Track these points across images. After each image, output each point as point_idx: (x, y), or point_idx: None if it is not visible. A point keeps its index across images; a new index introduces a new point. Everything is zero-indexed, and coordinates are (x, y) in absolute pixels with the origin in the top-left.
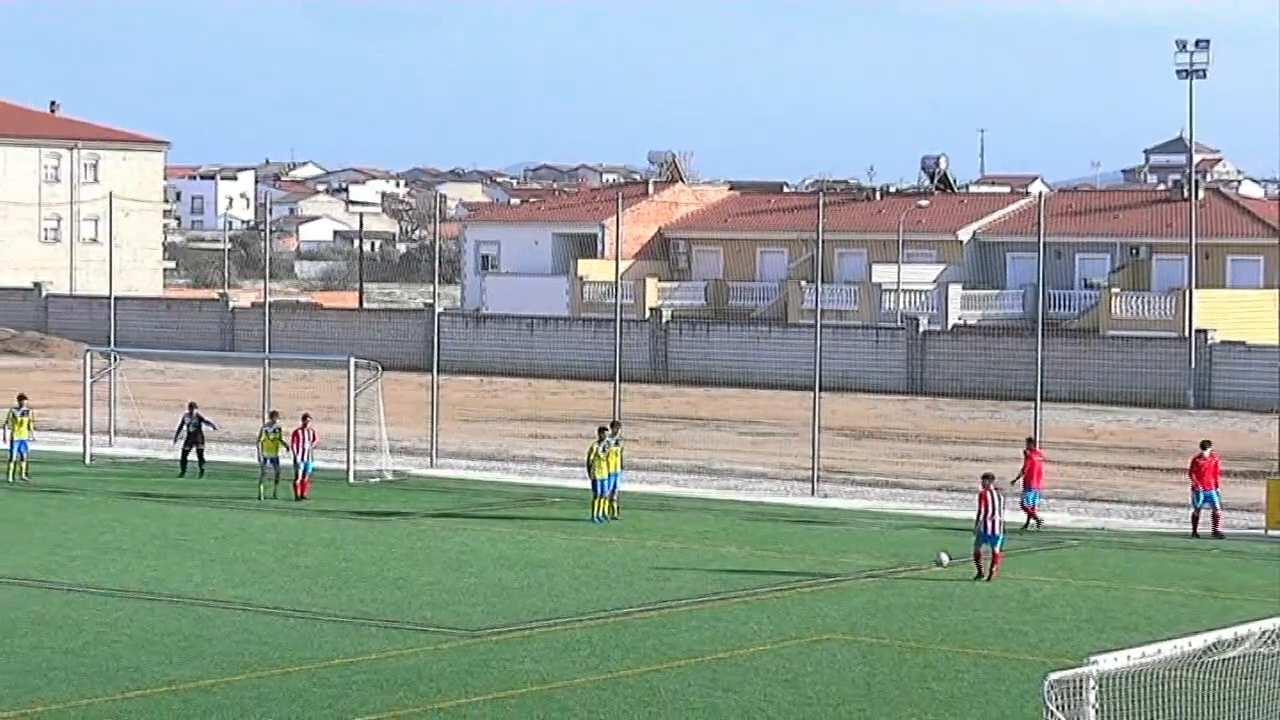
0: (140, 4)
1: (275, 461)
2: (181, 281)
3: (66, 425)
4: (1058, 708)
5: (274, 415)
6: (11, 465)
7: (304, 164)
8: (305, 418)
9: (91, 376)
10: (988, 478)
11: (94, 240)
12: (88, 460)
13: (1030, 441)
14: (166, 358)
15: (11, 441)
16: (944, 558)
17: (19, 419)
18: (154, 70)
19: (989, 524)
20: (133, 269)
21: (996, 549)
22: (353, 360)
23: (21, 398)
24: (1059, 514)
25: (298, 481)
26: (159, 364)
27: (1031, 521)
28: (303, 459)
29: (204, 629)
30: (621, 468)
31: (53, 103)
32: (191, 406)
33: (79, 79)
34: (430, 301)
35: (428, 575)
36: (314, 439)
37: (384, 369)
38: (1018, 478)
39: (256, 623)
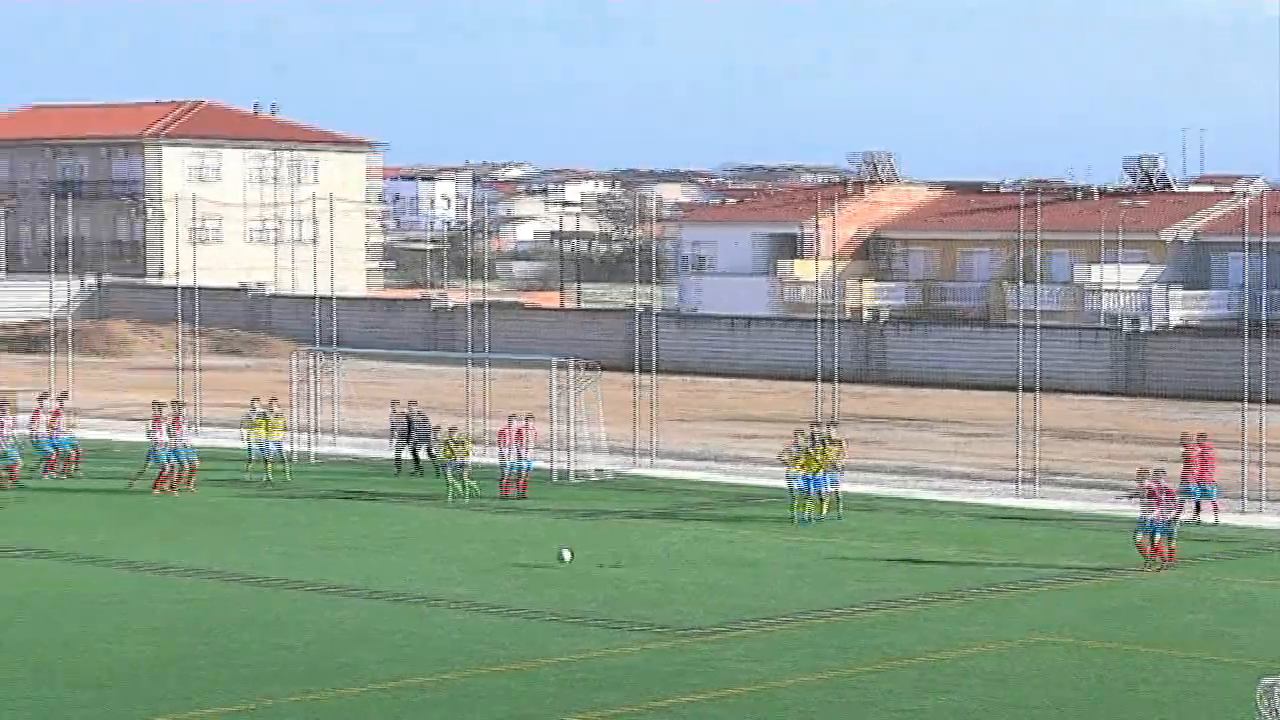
0: (356, 8)
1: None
2: (396, 282)
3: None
4: (1270, 712)
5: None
6: (266, 466)
7: (514, 165)
8: (528, 418)
9: (305, 376)
10: (1143, 472)
11: (299, 240)
12: (312, 459)
13: (1201, 436)
14: (379, 357)
15: (260, 443)
16: (565, 554)
17: (269, 420)
18: (370, 72)
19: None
20: (343, 269)
21: (1165, 541)
22: (572, 360)
23: (264, 399)
24: (1272, 517)
25: (517, 481)
26: (371, 363)
27: (1203, 517)
28: (520, 458)
29: (423, 627)
30: (838, 469)
31: (272, 105)
32: (411, 404)
33: (297, 83)
34: (644, 301)
35: (641, 574)
36: (536, 438)
37: (594, 368)
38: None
39: (475, 621)
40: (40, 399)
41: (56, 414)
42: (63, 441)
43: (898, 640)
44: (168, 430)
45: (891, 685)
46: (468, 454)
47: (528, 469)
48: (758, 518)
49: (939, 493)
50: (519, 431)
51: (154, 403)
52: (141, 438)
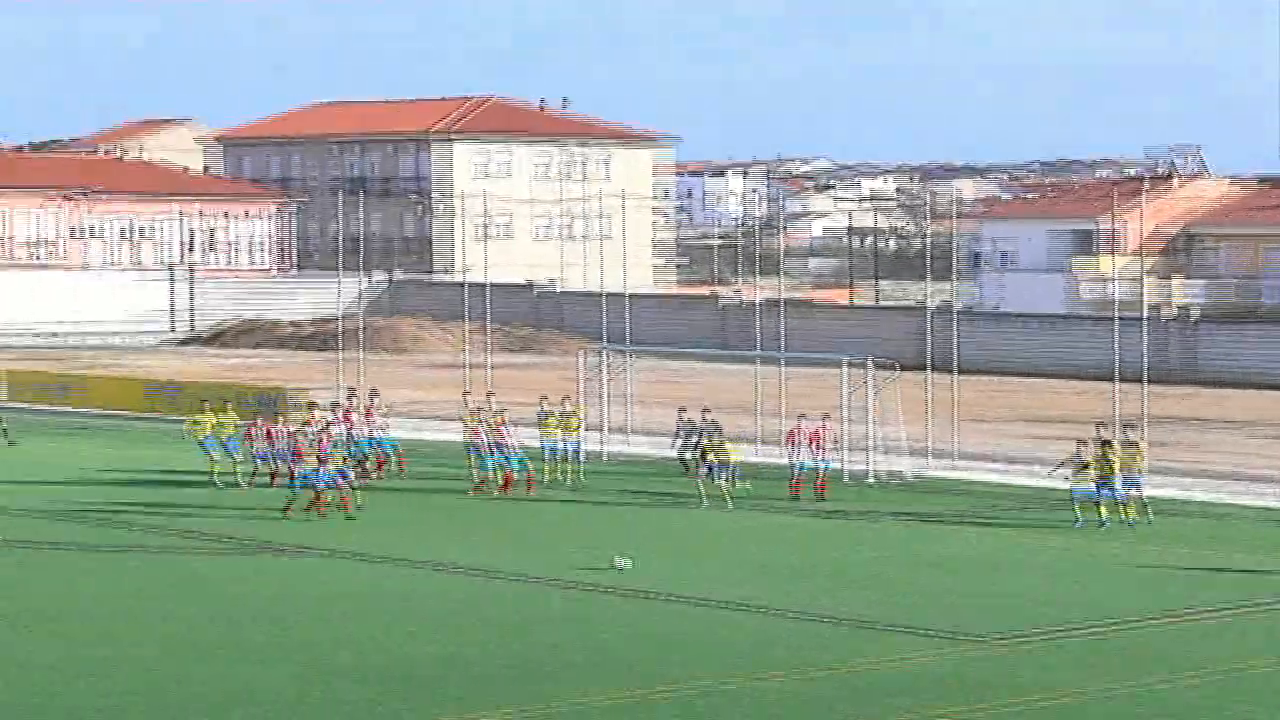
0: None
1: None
2: (686, 279)
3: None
4: None
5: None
6: (559, 466)
7: (807, 159)
8: (825, 418)
9: (593, 374)
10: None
11: (588, 237)
12: (604, 458)
13: None
14: (669, 355)
15: (554, 442)
16: (620, 563)
17: (562, 419)
18: (662, 66)
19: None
20: (636, 266)
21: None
22: (868, 359)
23: (553, 397)
24: None
25: (813, 482)
26: (659, 362)
27: None
28: (814, 458)
29: (720, 631)
30: (1138, 472)
31: (562, 100)
32: (705, 411)
33: (588, 76)
34: (940, 299)
35: (938, 579)
36: (835, 440)
37: (894, 367)
38: None
39: (772, 625)
40: (349, 396)
41: (369, 413)
42: (384, 441)
43: (1202, 649)
44: (486, 432)
45: (1206, 699)
46: (728, 456)
47: (825, 469)
48: (1052, 522)
49: (1249, 497)
50: (816, 432)
51: (467, 398)
52: (446, 437)
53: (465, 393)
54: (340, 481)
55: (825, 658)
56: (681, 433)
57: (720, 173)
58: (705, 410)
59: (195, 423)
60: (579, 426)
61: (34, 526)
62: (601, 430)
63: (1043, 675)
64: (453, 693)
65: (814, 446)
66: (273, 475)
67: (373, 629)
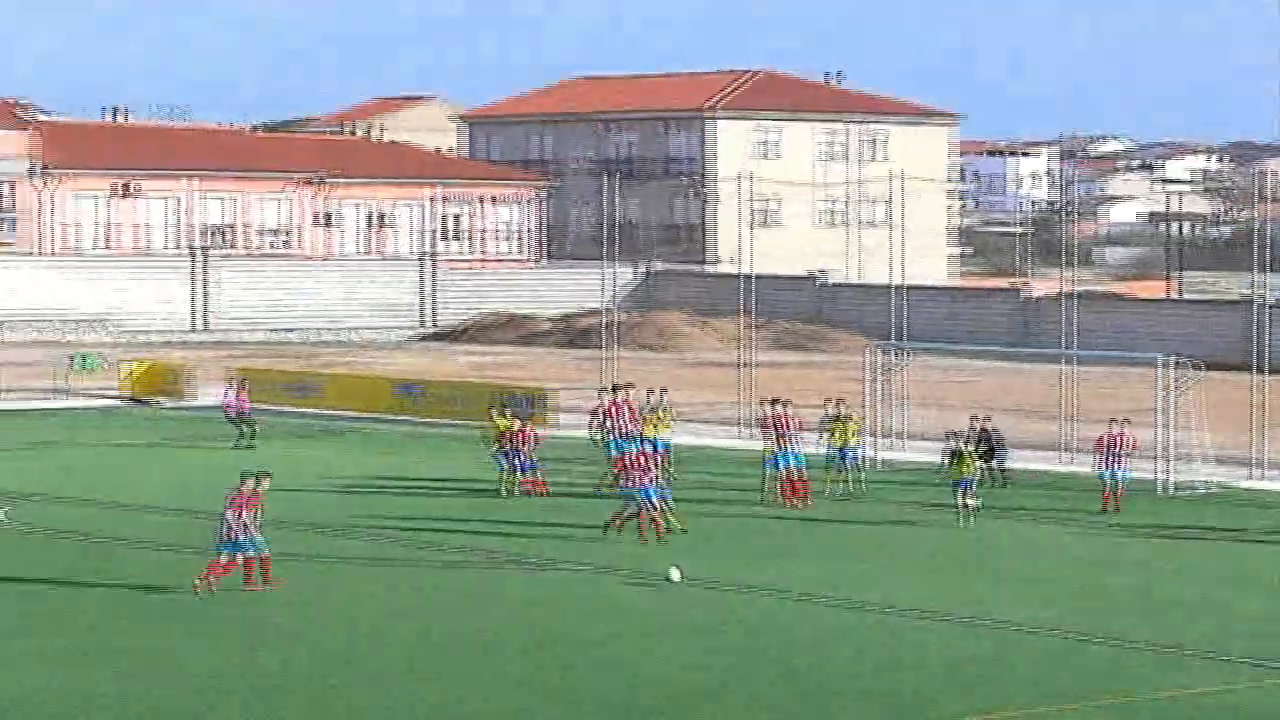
0: None
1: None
2: (974, 269)
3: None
4: None
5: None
6: (842, 474)
7: (1109, 138)
8: (1124, 421)
9: (875, 374)
10: None
11: (872, 223)
12: (878, 466)
13: None
14: (955, 353)
15: (837, 448)
16: (674, 574)
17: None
18: (943, 37)
19: None
20: (921, 255)
21: None
22: (1167, 359)
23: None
24: None
25: (1114, 492)
26: (949, 360)
27: None
28: (1119, 466)
29: (1006, 654)
30: None
31: (838, 73)
32: (985, 419)
33: (862, 48)
34: (1264, 292)
35: (1251, 602)
36: (1133, 445)
37: (1199, 367)
38: None
39: (1062, 648)
40: (613, 389)
41: (632, 412)
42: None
43: None
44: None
45: None
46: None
47: (1123, 479)
48: None
49: None
50: (1117, 438)
51: (771, 401)
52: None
53: (763, 401)
54: (656, 500)
55: (1124, 684)
56: (977, 441)
57: (1012, 152)
58: (986, 418)
59: (496, 429)
60: (856, 431)
61: (297, 538)
62: (876, 436)
63: None
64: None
65: (1112, 454)
66: (533, 484)
67: (659, 650)
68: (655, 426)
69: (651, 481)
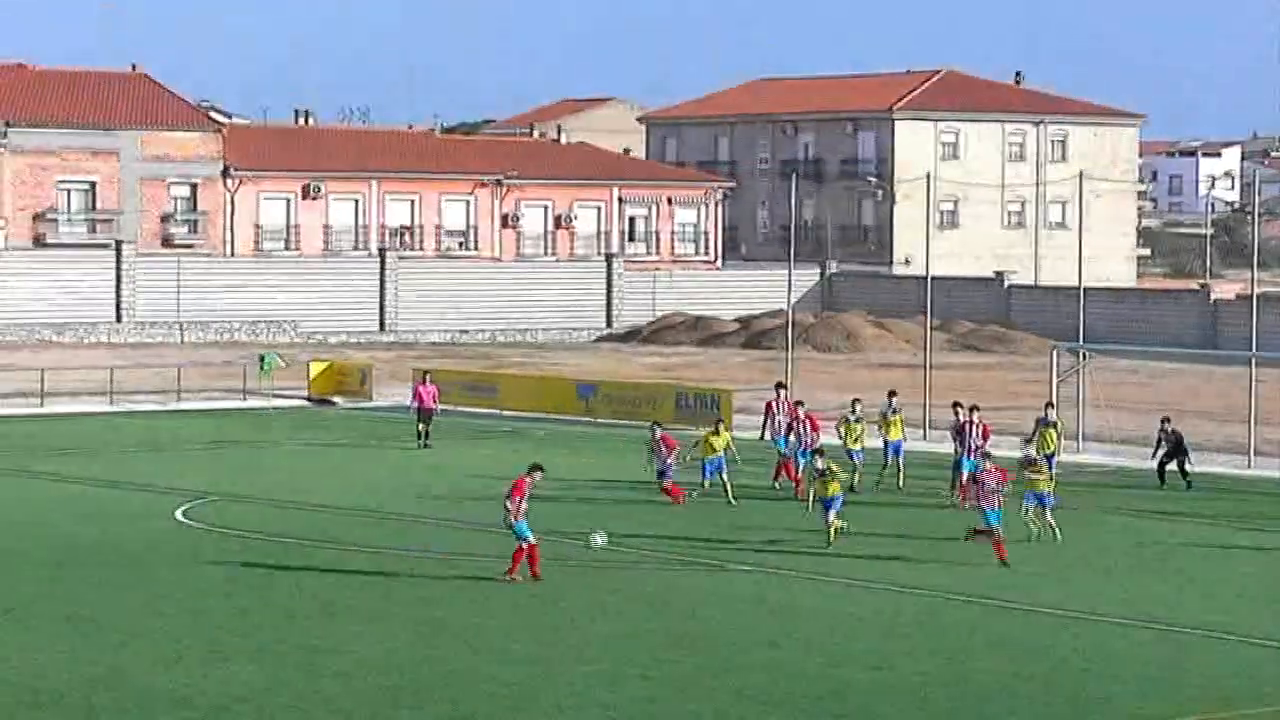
0: None
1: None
2: (1158, 270)
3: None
4: None
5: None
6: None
7: None
8: None
9: (1058, 376)
10: None
11: (1060, 224)
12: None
13: None
14: (1139, 355)
15: (885, 443)
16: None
17: (889, 419)
18: (1127, 37)
19: None
20: (1104, 256)
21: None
22: None
23: (892, 393)
24: None
25: None
26: (1132, 362)
27: None
28: None
29: (1182, 659)
30: None
31: (1018, 74)
32: (1165, 420)
33: (1045, 48)
34: None
35: None
36: None
37: None
38: None
39: (1241, 653)
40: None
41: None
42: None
43: None
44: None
45: None
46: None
47: None
48: None
49: None
50: None
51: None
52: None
53: (956, 404)
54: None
55: None
56: (1163, 443)
57: (1196, 153)
58: (1168, 420)
59: (709, 444)
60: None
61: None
62: (1077, 439)
63: None
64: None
65: None
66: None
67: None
68: (891, 429)
69: (1000, 503)
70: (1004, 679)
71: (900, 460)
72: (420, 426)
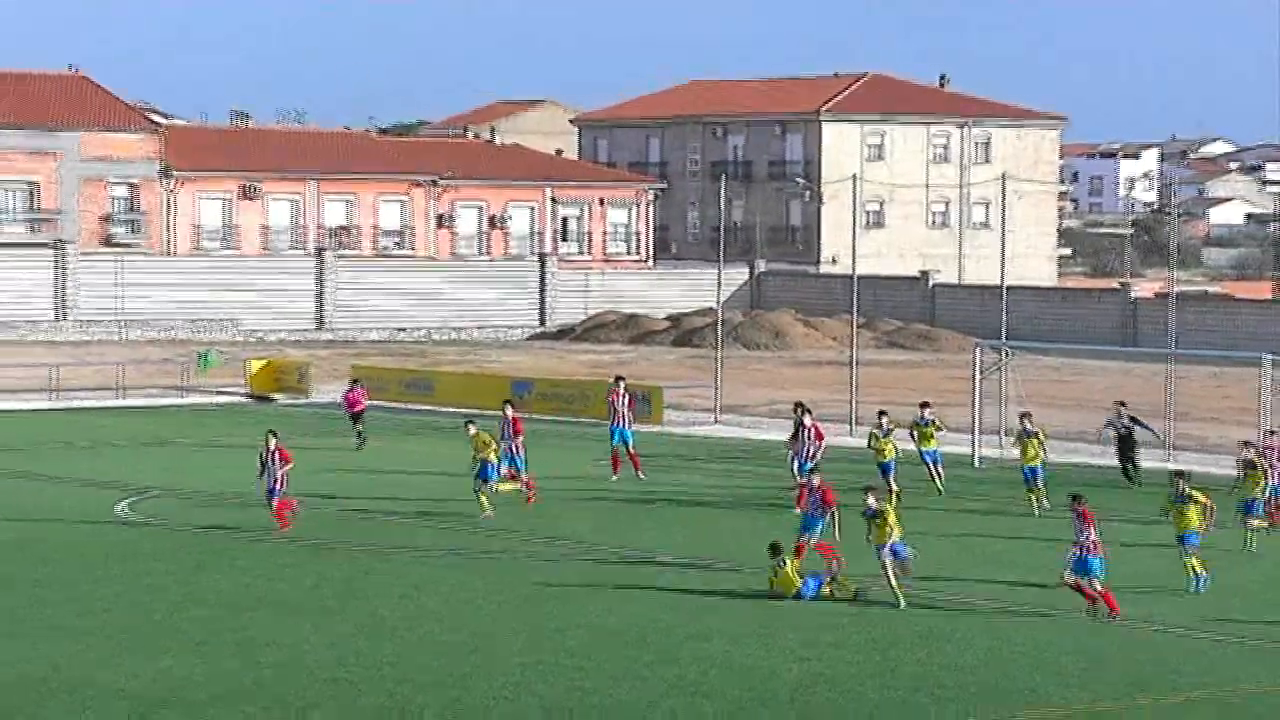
0: None
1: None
2: (1079, 270)
3: (954, 424)
4: None
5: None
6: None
7: (1214, 140)
8: (1272, 433)
9: (981, 372)
10: None
11: (984, 224)
12: (976, 463)
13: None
14: (1060, 352)
15: (921, 453)
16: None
17: (924, 429)
18: (1049, 41)
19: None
20: (1026, 256)
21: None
22: (1268, 358)
23: (924, 405)
24: None
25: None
26: (1055, 360)
27: None
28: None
29: (1105, 649)
30: None
31: (943, 77)
32: (1120, 405)
33: (968, 51)
34: None
35: None
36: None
37: None
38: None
39: (1158, 641)
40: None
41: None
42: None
43: None
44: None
45: None
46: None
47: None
48: None
49: None
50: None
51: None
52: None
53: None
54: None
55: (1214, 679)
56: (1113, 426)
57: (1111, 154)
58: (1120, 404)
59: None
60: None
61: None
62: (974, 433)
63: None
64: (810, 713)
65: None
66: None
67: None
68: (926, 440)
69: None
70: (931, 670)
71: (939, 468)
72: (357, 427)
